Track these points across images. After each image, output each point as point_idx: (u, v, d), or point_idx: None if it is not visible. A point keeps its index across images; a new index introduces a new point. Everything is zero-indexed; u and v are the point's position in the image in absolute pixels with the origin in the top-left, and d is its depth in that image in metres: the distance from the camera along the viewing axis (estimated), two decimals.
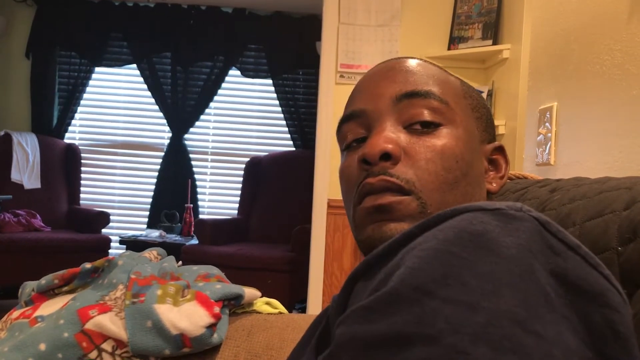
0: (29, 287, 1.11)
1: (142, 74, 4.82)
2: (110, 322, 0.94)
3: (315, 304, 3.15)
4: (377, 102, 0.63)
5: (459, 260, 0.42)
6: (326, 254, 3.15)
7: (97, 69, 4.85)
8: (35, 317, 1.01)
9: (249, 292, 1.07)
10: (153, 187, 4.86)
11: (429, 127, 0.60)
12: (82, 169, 4.68)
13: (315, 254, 3.16)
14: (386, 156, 0.59)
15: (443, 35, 3.18)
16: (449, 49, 3.15)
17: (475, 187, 0.62)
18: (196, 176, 4.89)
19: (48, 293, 1.08)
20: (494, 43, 2.97)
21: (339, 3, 3.13)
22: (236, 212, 4.55)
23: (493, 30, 2.98)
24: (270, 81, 4.87)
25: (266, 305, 1.10)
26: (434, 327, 0.38)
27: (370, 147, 0.59)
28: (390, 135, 0.60)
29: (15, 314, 1.05)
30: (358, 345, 0.41)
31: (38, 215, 4.15)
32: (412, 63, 0.65)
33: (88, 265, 1.08)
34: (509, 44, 2.89)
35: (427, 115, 0.60)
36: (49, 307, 1.03)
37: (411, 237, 0.47)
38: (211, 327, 0.96)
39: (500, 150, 0.68)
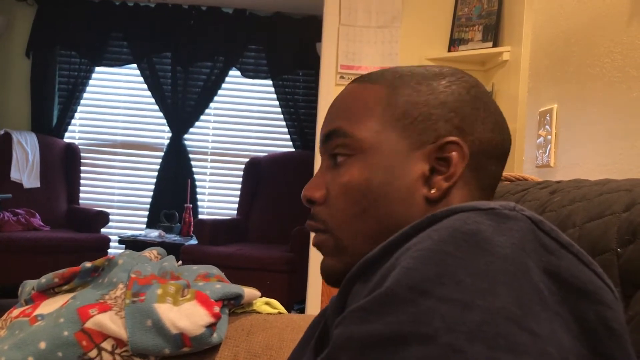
0: (29, 286, 1.11)
1: (142, 74, 4.82)
2: (110, 321, 0.94)
3: (314, 304, 3.15)
4: (320, 144, 0.68)
5: (453, 260, 0.42)
6: None
7: (97, 68, 4.85)
8: (35, 315, 1.01)
9: (249, 292, 1.07)
10: (152, 187, 4.86)
11: (339, 163, 0.63)
12: (82, 168, 4.68)
13: (315, 255, 3.16)
14: (311, 201, 0.65)
15: (443, 37, 3.18)
16: (449, 50, 3.15)
17: (396, 205, 0.60)
18: (196, 176, 4.89)
19: (48, 292, 1.08)
20: (494, 45, 2.98)
21: (340, 4, 3.13)
22: (235, 212, 4.55)
23: (493, 33, 2.99)
24: (270, 82, 4.87)
25: (266, 305, 1.10)
26: (430, 326, 0.39)
27: (302, 194, 0.66)
28: (315, 181, 0.65)
29: (15, 312, 1.05)
30: (355, 345, 0.41)
31: (37, 215, 4.14)
32: (339, 96, 0.67)
33: (88, 264, 1.08)
34: (509, 46, 2.89)
35: (336, 151, 0.64)
36: (49, 306, 1.03)
37: (407, 237, 0.48)
38: (211, 327, 0.96)
39: (454, 144, 0.60)
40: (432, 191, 0.60)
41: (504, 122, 0.66)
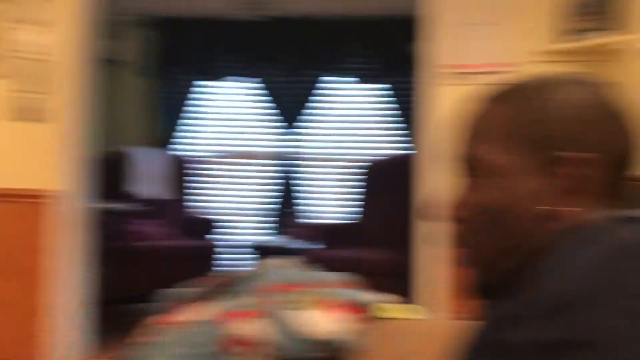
0: (171, 294, 1.16)
1: (250, 86, 5.00)
2: (252, 329, 0.97)
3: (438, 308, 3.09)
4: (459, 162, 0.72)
5: (609, 272, 0.45)
6: None
7: (206, 82, 5.06)
8: (178, 322, 1.05)
9: (384, 298, 1.07)
10: (275, 194, 5.00)
11: (473, 183, 0.68)
12: (196, 179, 4.93)
13: (433, 257, 3.11)
14: (457, 219, 0.69)
15: (558, 29, 3.03)
16: (566, 42, 3.00)
17: (521, 223, 0.63)
18: (309, 182, 5.02)
19: (190, 300, 1.12)
20: (619, 33, 2.79)
21: (446, 2, 3.08)
22: (353, 216, 4.60)
23: (616, 20, 2.81)
24: (379, 85, 4.90)
25: (403, 311, 1.09)
26: (593, 335, 0.40)
27: (450, 212, 0.70)
28: (459, 199, 0.69)
29: (158, 319, 1.10)
30: (507, 352, 0.44)
31: (163, 224, 4.40)
32: (473, 116, 0.69)
33: (226, 275, 1.12)
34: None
35: (469, 173, 0.68)
36: (192, 314, 1.07)
37: (553, 248, 0.52)
38: (348, 333, 0.97)
39: (572, 160, 0.62)
40: (551, 208, 0.62)
41: (629, 126, 0.65)
